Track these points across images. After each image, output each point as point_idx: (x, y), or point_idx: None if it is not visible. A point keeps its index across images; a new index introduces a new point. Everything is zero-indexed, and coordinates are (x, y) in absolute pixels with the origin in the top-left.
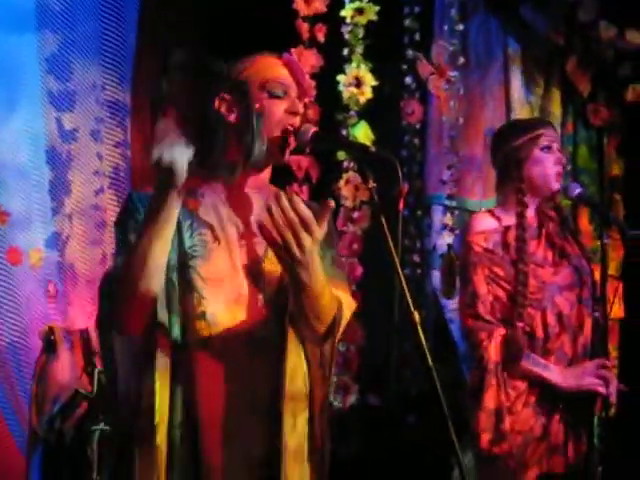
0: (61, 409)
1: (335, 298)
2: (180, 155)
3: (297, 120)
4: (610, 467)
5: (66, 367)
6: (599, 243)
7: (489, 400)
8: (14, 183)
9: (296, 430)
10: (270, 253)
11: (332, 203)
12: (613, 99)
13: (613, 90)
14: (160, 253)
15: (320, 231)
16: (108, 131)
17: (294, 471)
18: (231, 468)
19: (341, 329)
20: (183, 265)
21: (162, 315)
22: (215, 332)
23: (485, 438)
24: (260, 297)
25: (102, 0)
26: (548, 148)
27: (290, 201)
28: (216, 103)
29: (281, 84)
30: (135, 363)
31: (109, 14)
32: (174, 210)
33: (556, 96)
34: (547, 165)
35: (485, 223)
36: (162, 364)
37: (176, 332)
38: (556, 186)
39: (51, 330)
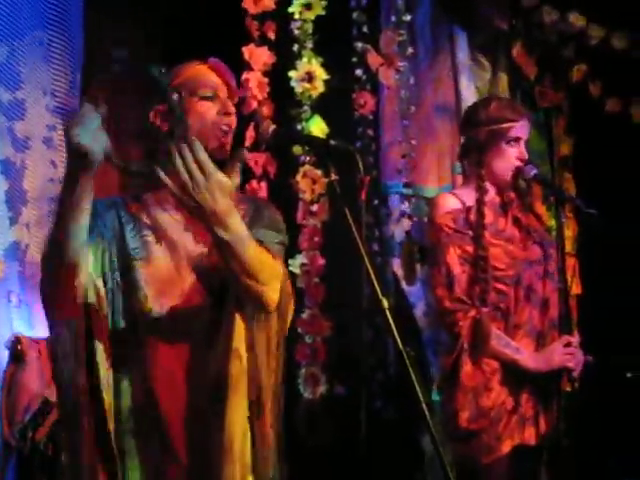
0: (32, 418)
1: (270, 261)
2: (97, 143)
3: (230, 120)
4: (576, 439)
5: (35, 376)
6: (553, 223)
7: (466, 378)
8: None
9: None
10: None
11: (243, 152)
12: (559, 81)
13: (558, 72)
14: (80, 226)
15: (224, 177)
16: (60, 138)
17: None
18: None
19: (290, 304)
20: (127, 266)
21: (92, 299)
22: (162, 326)
23: (464, 416)
24: (205, 292)
25: (46, 6)
26: (515, 141)
27: (190, 146)
28: (151, 116)
29: (211, 87)
30: (73, 349)
31: (54, 20)
32: (88, 189)
33: (503, 81)
34: (508, 159)
35: (450, 203)
36: (100, 354)
37: (121, 327)
38: (510, 179)
39: (18, 340)
